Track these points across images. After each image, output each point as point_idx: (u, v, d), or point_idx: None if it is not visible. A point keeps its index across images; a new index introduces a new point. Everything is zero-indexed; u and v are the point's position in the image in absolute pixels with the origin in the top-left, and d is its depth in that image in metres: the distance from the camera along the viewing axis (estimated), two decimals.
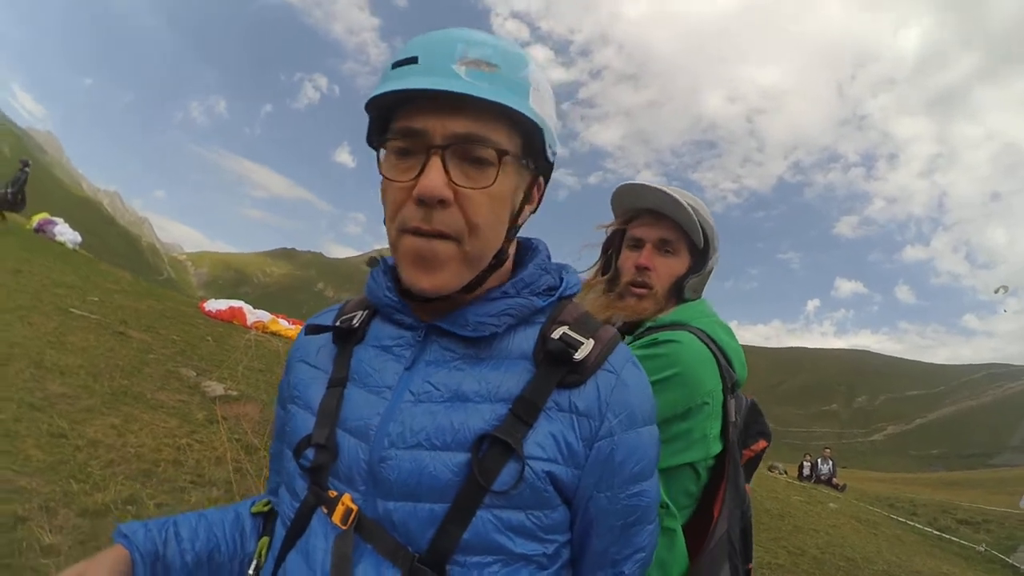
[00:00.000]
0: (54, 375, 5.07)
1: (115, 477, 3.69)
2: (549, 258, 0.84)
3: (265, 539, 0.90)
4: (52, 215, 16.51)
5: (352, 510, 0.72)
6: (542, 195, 0.82)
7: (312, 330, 0.86)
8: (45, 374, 5.03)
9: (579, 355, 0.72)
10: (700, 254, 1.32)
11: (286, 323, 13.10)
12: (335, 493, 0.74)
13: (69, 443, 3.95)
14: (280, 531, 0.81)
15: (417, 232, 0.70)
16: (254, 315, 12.55)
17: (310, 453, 0.77)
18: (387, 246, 0.78)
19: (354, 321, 0.83)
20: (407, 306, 0.79)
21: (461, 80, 0.66)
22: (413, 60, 0.68)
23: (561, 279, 0.82)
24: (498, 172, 0.69)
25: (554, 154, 0.77)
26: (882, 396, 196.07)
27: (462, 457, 0.69)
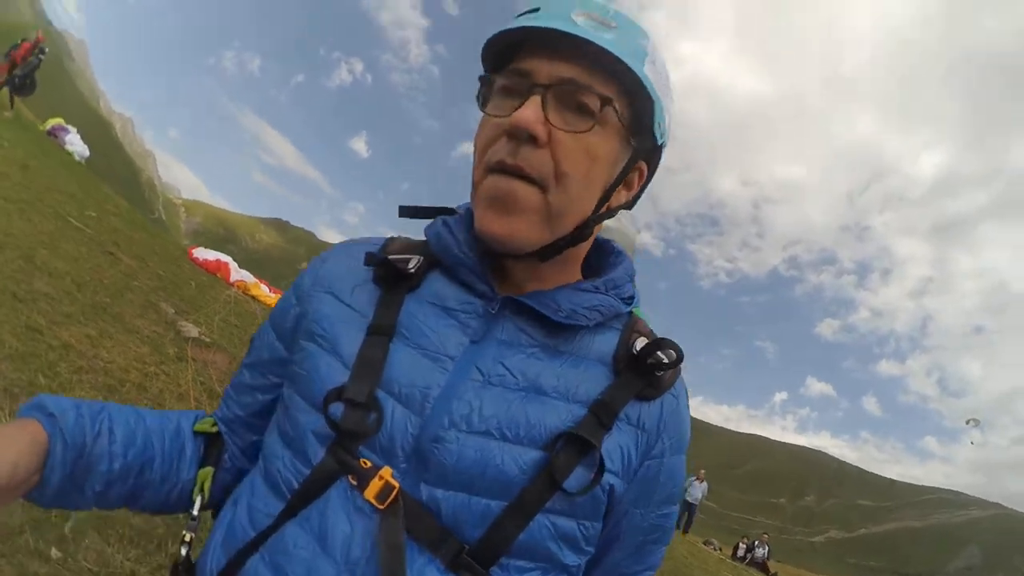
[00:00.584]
0: (42, 274, 5.07)
1: (81, 383, 3.71)
2: None
3: (208, 470, 0.78)
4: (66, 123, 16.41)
5: (393, 487, 0.62)
6: (643, 186, 0.76)
7: (371, 260, 0.73)
8: (34, 271, 5.04)
9: (661, 371, 0.70)
10: None
11: (267, 289, 13.05)
12: (368, 464, 0.64)
13: (44, 340, 3.96)
14: (263, 490, 0.70)
15: (501, 168, 0.65)
16: (238, 274, 12.48)
17: (335, 410, 0.65)
18: None
19: (410, 265, 0.72)
20: (485, 269, 0.71)
21: (579, 27, 0.63)
22: (535, 10, 0.66)
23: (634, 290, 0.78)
24: (596, 122, 0.64)
25: (663, 139, 0.71)
26: (830, 500, 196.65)
27: (534, 454, 0.64)
